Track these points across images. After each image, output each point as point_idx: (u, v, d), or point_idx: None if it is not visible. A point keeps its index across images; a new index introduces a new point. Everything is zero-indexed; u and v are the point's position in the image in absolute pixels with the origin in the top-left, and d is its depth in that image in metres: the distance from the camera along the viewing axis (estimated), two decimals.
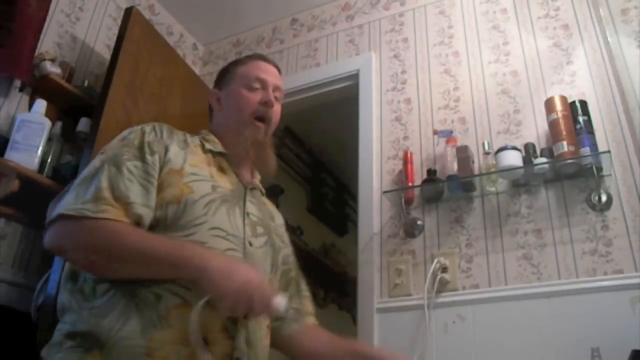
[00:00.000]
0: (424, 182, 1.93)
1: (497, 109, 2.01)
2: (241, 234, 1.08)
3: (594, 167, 1.68)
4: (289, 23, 2.75)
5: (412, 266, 1.88)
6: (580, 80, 1.91)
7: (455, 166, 1.87)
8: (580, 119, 1.73)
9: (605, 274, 1.60)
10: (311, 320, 1.28)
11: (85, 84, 2.12)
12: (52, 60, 1.98)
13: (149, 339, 0.92)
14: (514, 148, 1.77)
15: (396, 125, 2.17)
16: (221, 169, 1.17)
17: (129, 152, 1.07)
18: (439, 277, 1.77)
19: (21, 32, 1.86)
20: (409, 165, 1.98)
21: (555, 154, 1.72)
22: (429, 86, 2.19)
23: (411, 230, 1.94)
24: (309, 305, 1.30)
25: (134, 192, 1.01)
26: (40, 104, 1.90)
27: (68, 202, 1.00)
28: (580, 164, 1.70)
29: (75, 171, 1.86)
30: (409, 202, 1.97)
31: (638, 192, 1.67)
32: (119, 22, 2.01)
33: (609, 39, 1.89)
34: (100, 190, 0.99)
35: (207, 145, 1.20)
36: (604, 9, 1.95)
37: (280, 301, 0.93)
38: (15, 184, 1.77)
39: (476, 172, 1.88)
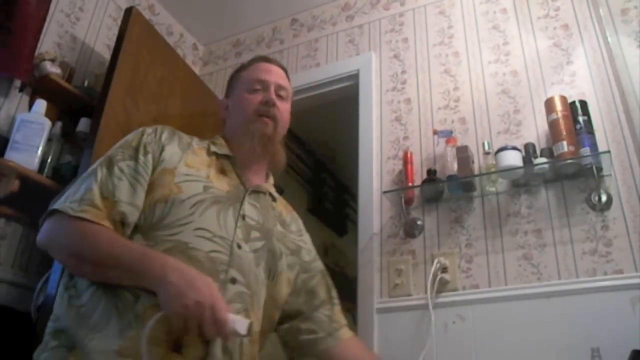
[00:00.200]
0: (424, 182, 1.93)
1: (497, 109, 2.01)
2: (230, 237, 1.06)
3: (594, 167, 1.68)
4: (289, 23, 2.75)
5: (412, 266, 1.88)
6: (580, 80, 1.91)
7: (455, 166, 1.87)
8: (580, 119, 1.73)
9: (605, 274, 1.60)
10: (347, 333, 1.25)
11: (85, 84, 2.12)
12: (52, 60, 1.98)
13: (123, 338, 0.91)
14: (514, 148, 1.77)
15: (396, 125, 2.17)
16: (222, 171, 1.17)
17: (124, 152, 1.08)
18: (439, 277, 1.77)
19: (21, 32, 1.86)
20: (409, 165, 1.98)
21: (555, 154, 1.72)
22: (429, 86, 2.19)
23: (411, 230, 1.94)
24: (340, 315, 1.27)
25: (121, 190, 1.02)
26: (40, 104, 1.90)
27: (60, 200, 1.02)
28: (580, 164, 1.70)
29: (75, 171, 1.86)
30: (409, 202, 1.97)
31: (638, 192, 1.66)
32: (119, 22, 2.01)
33: (609, 39, 1.89)
34: (89, 190, 1.01)
35: (213, 148, 1.20)
36: (604, 9, 1.94)
37: (239, 324, 0.88)
38: (15, 184, 1.77)
39: (476, 172, 1.88)
